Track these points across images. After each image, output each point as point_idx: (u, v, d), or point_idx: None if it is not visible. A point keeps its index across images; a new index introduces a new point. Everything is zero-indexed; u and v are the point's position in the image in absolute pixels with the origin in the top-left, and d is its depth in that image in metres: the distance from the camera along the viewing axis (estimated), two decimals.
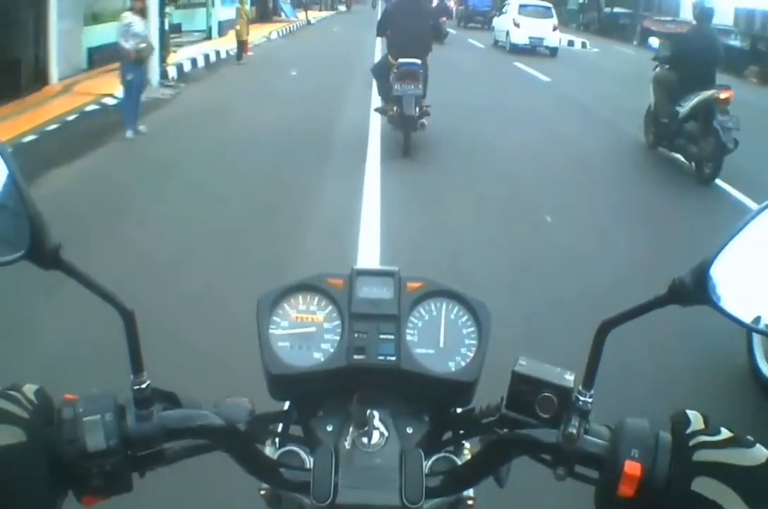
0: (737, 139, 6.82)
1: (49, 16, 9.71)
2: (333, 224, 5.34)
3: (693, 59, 7.49)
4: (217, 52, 15.64)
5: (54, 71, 10.05)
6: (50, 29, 9.79)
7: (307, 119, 8.81)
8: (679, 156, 7.81)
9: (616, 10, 35.57)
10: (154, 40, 9.71)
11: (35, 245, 0.65)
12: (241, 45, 15.35)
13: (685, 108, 7.47)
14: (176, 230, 5.03)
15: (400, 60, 7.34)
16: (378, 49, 12.07)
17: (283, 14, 29.40)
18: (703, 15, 7.78)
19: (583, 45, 24.56)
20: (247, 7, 16.47)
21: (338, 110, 9.71)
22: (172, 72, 12.12)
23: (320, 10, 39.85)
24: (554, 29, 20.37)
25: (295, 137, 7.84)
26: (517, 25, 20.45)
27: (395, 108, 7.47)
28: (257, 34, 19.45)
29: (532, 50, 20.20)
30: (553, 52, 20.40)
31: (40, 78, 9.82)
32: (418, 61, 7.36)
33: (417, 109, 7.35)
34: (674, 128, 7.66)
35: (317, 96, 10.62)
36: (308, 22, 29.39)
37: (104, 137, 7.73)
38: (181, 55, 13.91)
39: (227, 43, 16.47)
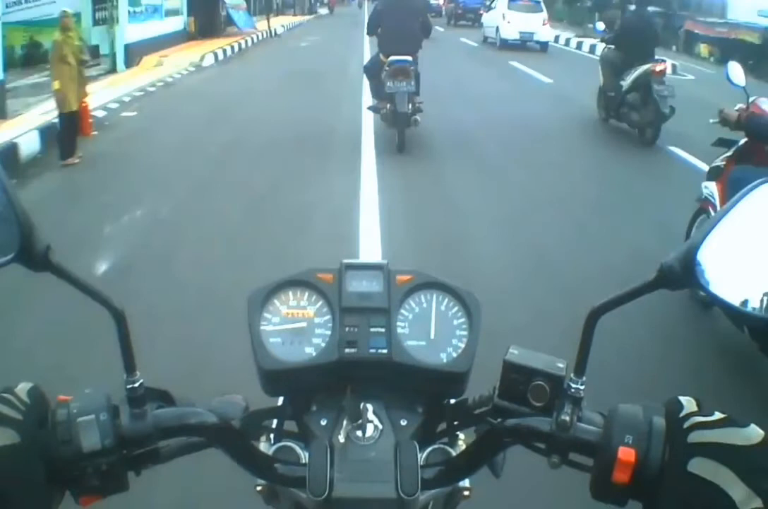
0: (673, 106, 7.80)
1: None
2: None
3: (633, 39, 8.47)
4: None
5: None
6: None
7: None
8: (624, 125, 8.76)
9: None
10: None
11: (25, 248, 0.65)
12: (72, 121, 6.88)
13: (627, 81, 8.40)
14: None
15: (391, 58, 7.38)
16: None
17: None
18: (642, 0, 9.10)
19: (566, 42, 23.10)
20: (71, 21, 6.90)
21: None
22: None
23: (294, 15, 33.43)
24: (544, 23, 20.00)
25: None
26: (506, 20, 20.04)
27: (388, 105, 7.53)
28: (185, 58, 15.02)
29: (522, 45, 19.82)
30: (544, 46, 19.93)
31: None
32: (409, 58, 7.39)
33: (410, 105, 7.41)
34: (619, 100, 8.61)
35: None
36: (273, 34, 23.21)
37: None
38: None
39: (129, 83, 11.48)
